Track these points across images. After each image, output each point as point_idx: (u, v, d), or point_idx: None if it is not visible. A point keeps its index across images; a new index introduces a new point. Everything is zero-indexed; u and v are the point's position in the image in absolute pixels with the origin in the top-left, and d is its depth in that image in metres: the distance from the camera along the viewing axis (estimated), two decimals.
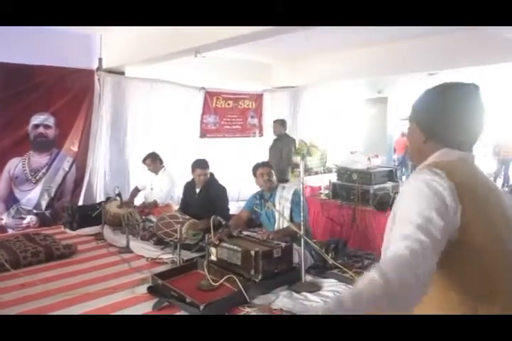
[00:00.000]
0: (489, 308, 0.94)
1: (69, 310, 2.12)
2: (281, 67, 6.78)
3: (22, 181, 4.41)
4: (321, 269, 2.66)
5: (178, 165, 4.92)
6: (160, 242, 3.16)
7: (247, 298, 2.13)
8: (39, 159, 4.52)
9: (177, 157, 5.19)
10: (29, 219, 4.42)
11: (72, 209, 3.89)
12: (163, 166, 4.47)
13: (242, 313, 2.03)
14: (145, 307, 2.12)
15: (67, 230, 3.79)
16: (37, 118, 4.44)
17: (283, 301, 2.17)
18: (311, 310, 0.98)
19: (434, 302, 0.96)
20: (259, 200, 3.23)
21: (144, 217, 3.78)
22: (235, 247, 2.43)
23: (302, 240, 2.44)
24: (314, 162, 6.85)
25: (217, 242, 2.52)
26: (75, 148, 4.72)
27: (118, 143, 5.05)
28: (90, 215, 3.72)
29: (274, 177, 3.23)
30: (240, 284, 2.18)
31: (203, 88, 5.94)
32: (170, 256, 2.87)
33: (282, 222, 3.03)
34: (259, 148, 6.29)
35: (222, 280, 2.29)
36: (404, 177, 9.94)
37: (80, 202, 4.66)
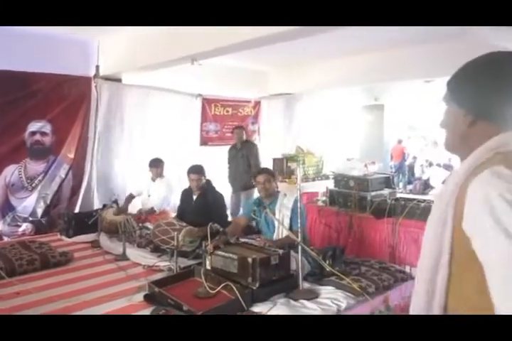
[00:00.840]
0: None
1: None
2: (278, 74, 6.82)
3: (18, 188, 4.39)
4: (318, 276, 2.65)
5: (178, 172, 4.91)
6: (157, 249, 3.15)
7: (245, 306, 2.12)
8: (35, 166, 4.50)
9: (176, 164, 5.18)
10: (25, 226, 4.39)
11: (68, 217, 3.87)
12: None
13: None
14: None
15: (63, 237, 3.77)
16: (34, 126, 4.43)
17: (280, 309, 2.15)
18: None
19: None
20: (258, 207, 3.23)
21: (140, 224, 3.77)
22: (231, 255, 2.41)
23: (299, 247, 2.43)
24: (311, 168, 6.85)
25: (212, 250, 2.50)
26: (72, 155, 4.71)
27: (115, 150, 5.04)
28: (86, 222, 3.71)
29: (274, 185, 3.23)
30: (237, 292, 2.17)
31: (200, 95, 5.96)
32: (167, 263, 2.86)
33: (282, 230, 3.02)
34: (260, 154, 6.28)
35: (219, 288, 2.28)
36: (401, 184, 10.02)
37: (77, 210, 4.63)
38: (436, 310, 0.91)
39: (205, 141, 6.14)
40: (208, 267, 2.52)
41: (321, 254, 2.70)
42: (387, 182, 4.20)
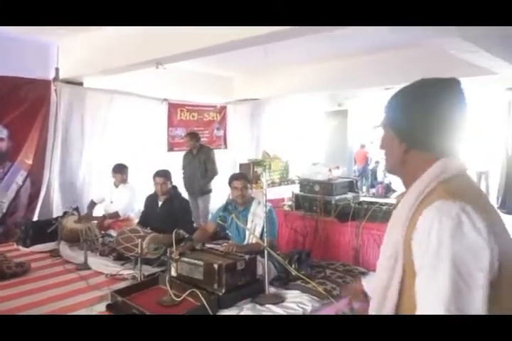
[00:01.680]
0: None
1: None
2: (243, 80, 6.85)
3: None
4: (284, 281, 2.66)
5: (145, 178, 4.81)
6: (120, 257, 3.07)
7: (210, 312, 2.10)
8: None
9: (143, 170, 5.08)
10: None
11: (26, 225, 3.71)
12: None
13: None
14: None
15: (20, 247, 3.61)
16: None
17: (246, 314, 2.15)
18: None
19: None
20: (223, 212, 3.21)
21: (103, 232, 3.67)
22: (197, 261, 2.39)
23: (266, 252, 2.44)
24: (277, 173, 6.91)
25: (177, 257, 2.47)
26: (30, 161, 4.53)
27: (75, 156, 4.89)
28: (45, 231, 3.56)
29: (249, 191, 3.22)
30: (202, 298, 2.15)
31: (166, 99, 5.89)
32: (130, 271, 2.79)
33: (252, 239, 3.01)
34: (225, 160, 6.28)
35: (184, 295, 2.24)
36: (364, 188, 10.27)
37: (35, 218, 4.45)
38: (389, 311, 0.96)
39: (171, 147, 6.07)
40: (173, 274, 2.48)
41: (287, 258, 2.72)
42: (351, 186, 4.29)
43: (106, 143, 5.15)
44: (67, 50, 4.57)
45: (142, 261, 2.67)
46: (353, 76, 5.68)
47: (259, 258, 2.55)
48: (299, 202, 4.27)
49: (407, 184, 1.00)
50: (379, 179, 10.56)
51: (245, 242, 3.07)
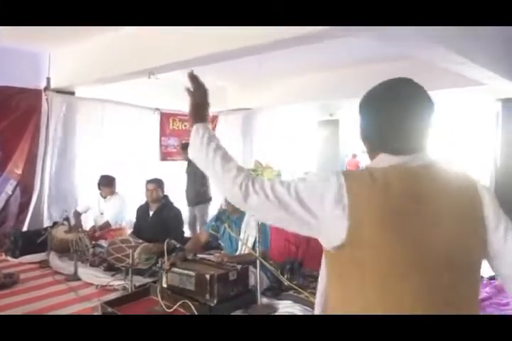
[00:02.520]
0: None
1: None
2: (236, 89, 6.89)
3: None
4: (276, 291, 2.65)
5: (137, 188, 4.77)
6: (111, 268, 3.03)
7: None
8: None
9: (135, 180, 5.05)
10: None
11: (15, 235, 3.66)
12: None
13: None
14: None
15: (9, 258, 3.56)
16: None
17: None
18: None
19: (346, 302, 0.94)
20: (216, 222, 3.19)
21: (93, 242, 3.63)
22: (189, 272, 2.36)
23: (258, 262, 2.42)
24: None
25: (168, 267, 2.44)
26: (19, 171, 4.48)
27: (67, 165, 4.86)
28: (35, 241, 3.52)
29: None
30: (194, 309, 2.13)
31: (158, 109, 5.89)
32: (121, 282, 2.75)
33: (244, 250, 2.99)
34: None
35: (176, 306, 2.22)
36: None
37: (25, 228, 4.39)
38: (318, 310, 1.09)
39: (164, 156, 6.06)
40: (165, 285, 2.45)
41: (279, 268, 2.70)
42: None
43: (99, 153, 5.12)
44: (59, 59, 4.56)
45: (133, 271, 2.64)
46: (345, 87, 5.74)
47: (251, 268, 2.53)
48: None
49: None
50: None
51: (237, 253, 3.05)
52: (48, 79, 4.59)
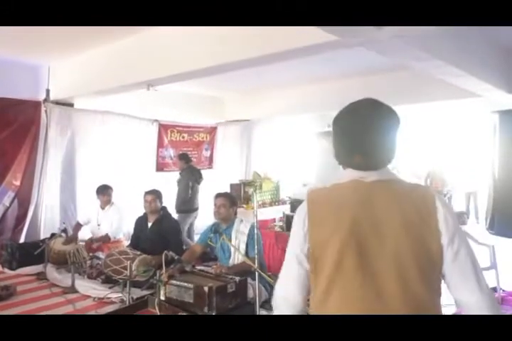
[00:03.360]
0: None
1: None
2: (234, 101, 6.93)
3: None
4: None
5: (134, 199, 4.76)
6: (108, 280, 3.01)
7: None
8: None
9: (132, 191, 5.04)
10: None
11: (12, 247, 3.64)
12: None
13: None
14: None
15: (6, 270, 3.54)
16: None
17: None
18: None
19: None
20: (214, 233, 3.18)
21: (91, 254, 3.60)
22: (187, 284, 2.35)
23: (257, 274, 2.40)
24: (268, 193, 6.90)
25: (166, 279, 2.42)
26: (18, 183, 4.47)
27: (66, 177, 4.85)
28: (32, 253, 3.49)
29: (231, 210, 3.20)
30: None
31: (156, 120, 5.92)
32: (119, 294, 2.73)
33: (237, 256, 2.98)
34: (210, 180, 6.22)
35: None
36: None
37: (22, 240, 4.36)
38: None
39: (161, 167, 6.07)
40: (163, 297, 2.43)
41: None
42: None
43: (97, 164, 5.12)
44: (58, 71, 4.59)
45: (131, 283, 2.62)
46: (343, 98, 5.65)
47: (250, 280, 2.51)
48: (289, 222, 4.26)
49: None
50: None
51: (231, 261, 3.03)
52: (48, 90, 4.62)
